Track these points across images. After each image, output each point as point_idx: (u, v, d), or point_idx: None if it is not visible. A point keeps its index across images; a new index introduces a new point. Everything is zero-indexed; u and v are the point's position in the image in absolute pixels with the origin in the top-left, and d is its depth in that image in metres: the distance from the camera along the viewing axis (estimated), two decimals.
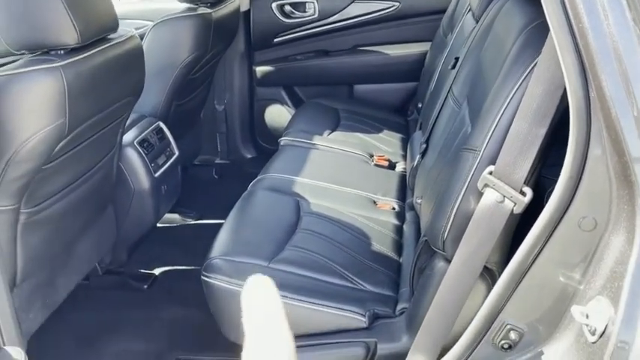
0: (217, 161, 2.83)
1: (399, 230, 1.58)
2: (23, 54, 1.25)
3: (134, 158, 1.82)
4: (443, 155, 1.28)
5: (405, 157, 2.02)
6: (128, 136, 1.84)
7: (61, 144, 1.25)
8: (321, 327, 1.23)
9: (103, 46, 1.36)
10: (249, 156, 2.84)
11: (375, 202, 1.69)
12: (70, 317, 1.69)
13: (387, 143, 2.13)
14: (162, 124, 2.03)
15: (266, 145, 2.82)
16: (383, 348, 1.19)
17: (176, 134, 2.18)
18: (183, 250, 2.08)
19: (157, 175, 1.89)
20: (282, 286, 1.22)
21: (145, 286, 1.89)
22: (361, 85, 2.63)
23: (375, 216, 1.61)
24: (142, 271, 1.96)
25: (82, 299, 1.76)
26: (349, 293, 1.27)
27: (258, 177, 1.77)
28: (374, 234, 1.51)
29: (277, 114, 2.75)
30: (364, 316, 1.22)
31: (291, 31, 2.65)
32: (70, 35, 1.19)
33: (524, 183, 0.89)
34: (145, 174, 1.84)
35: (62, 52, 1.23)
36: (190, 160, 2.74)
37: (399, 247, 1.50)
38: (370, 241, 1.47)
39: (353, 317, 1.22)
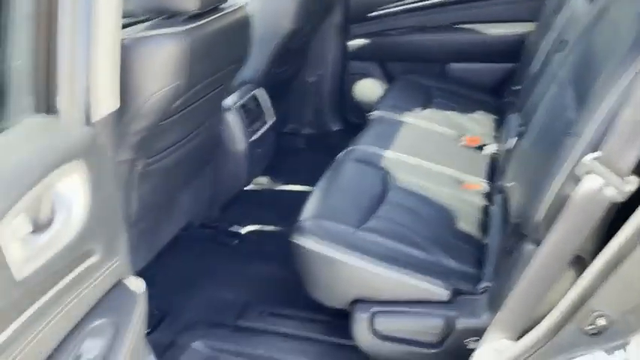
0: (304, 131, 2.91)
1: (485, 211, 1.59)
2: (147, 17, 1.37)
3: (233, 122, 1.93)
4: (541, 139, 1.27)
5: (496, 138, 2.00)
6: (229, 101, 1.95)
7: (175, 103, 1.36)
8: (403, 296, 1.28)
9: (216, 15, 1.46)
10: (335, 128, 2.90)
11: (461, 182, 1.70)
12: (168, 263, 1.85)
13: (478, 124, 2.11)
14: (261, 92, 2.13)
15: (353, 118, 2.87)
16: (462, 322, 1.22)
17: (274, 100, 2.28)
18: (270, 212, 2.19)
19: (252, 139, 1.99)
20: (369, 252, 1.29)
21: (235, 242, 2.02)
22: (456, 63, 2.59)
23: (462, 195, 1.62)
24: (232, 228, 2.09)
25: (180, 248, 1.92)
26: (433, 267, 1.31)
27: (348, 148, 1.83)
28: (460, 212, 1.53)
29: (368, 88, 2.77)
30: (447, 290, 1.25)
31: (388, 5, 2.65)
32: (192, 1, 1.29)
33: (630, 172, 0.88)
34: (242, 137, 1.95)
35: (182, 18, 1.34)
36: (279, 128, 2.84)
37: (484, 228, 1.51)
38: (456, 219, 1.49)
39: (435, 290, 1.26)
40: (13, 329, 0.65)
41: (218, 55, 1.51)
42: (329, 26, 2.71)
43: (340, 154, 1.80)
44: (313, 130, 2.91)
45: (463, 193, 1.64)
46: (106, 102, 1.02)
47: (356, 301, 1.32)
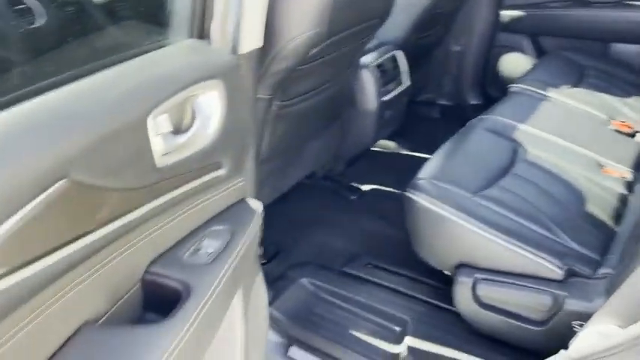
0: (440, 102, 2.86)
1: (623, 199, 1.46)
2: None
3: (367, 80, 1.96)
4: None
5: None
6: (367, 59, 1.99)
7: (313, 50, 1.42)
8: (511, 267, 1.24)
9: None
10: (473, 102, 2.80)
11: (601, 166, 1.57)
12: (290, 205, 1.97)
13: (633, 109, 1.91)
14: (399, 54, 2.13)
15: (494, 93, 2.75)
16: (571, 304, 1.16)
17: (412, 65, 2.27)
18: (392, 175, 2.21)
19: (384, 99, 2.02)
20: (483, 219, 1.27)
21: (353, 197, 2.08)
22: (621, 43, 2.35)
23: (599, 180, 1.50)
24: (353, 184, 2.15)
25: (302, 194, 2.03)
26: (550, 244, 1.24)
27: (480, 116, 1.77)
28: (592, 196, 1.42)
29: (514, 63, 2.63)
30: (561, 269, 1.19)
31: None
32: None
33: None
34: (374, 96, 1.98)
35: None
36: (414, 95, 2.82)
37: (617, 216, 1.39)
38: (586, 202, 1.40)
39: (549, 267, 1.20)
40: (149, 208, 0.76)
41: (360, 8, 1.54)
42: None
43: (471, 121, 1.75)
44: (450, 101, 2.84)
45: (602, 177, 1.52)
46: (252, 38, 1.11)
47: (461, 266, 1.31)
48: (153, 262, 0.82)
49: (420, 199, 1.36)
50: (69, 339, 0.63)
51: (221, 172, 0.96)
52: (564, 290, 1.18)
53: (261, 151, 1.60)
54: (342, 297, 1.55)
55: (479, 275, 1.27)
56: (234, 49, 1.08)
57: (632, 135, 1.78)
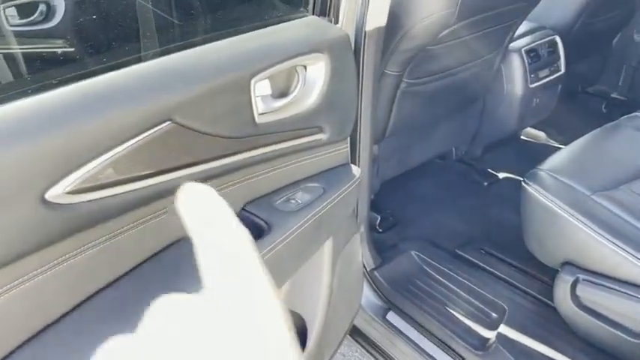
0: (613, 95, 2.61)
1: None
2: None
3: (516, 64, 1.90)
4: None
5: None
6: (519, 43, 1.92)
7: (446, 31, 1.45)
8: (617, 272, 1.17)
9: None
10: None
11: None
12: (417, 182, 2.03)
13: None
14: (558, 39, 2.01)
15: None
16: None
17: (575, 55, 2.13)
18: (533, 167, 2.12)
19: (532, 85, 1.94)
20: (595, 219, 1.21)
21: (486, 183, 2.05)
22: None
23: None
24: (489, 170, 2.12)
25: (432, 172, 2.07)
26: None
27: (634, 113, 1.62)
28: None
29: None
30: None
31: None
32: None
33: None
34: (522, 81, 1.92)
35: None
36: (583, 85, 2.61)
37: None
38: None
39: None
40: (247, 157, 0.91)
41: None
42: None
43: (622, 117, 1.62)
44: (624, 96, 2.58)
45: None
46: (377, 16, 1.21)
47: (566, 263, 1.27)
48: (249, 203, 0.98)
49: (533, 190, 1.33)
50: (163, 250, 0.82)
51: (322, 136, 1.09)
52: None
53: (388, 125, 1.68)
54: (446, 275, 1.59)
55: (581, 275, 1.22)
56: (360, 27, 1.18)
57: None
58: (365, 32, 1.18)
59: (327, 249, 1.14)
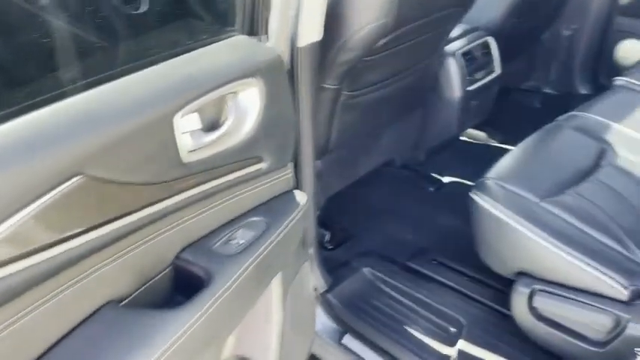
0: (545, 90, 2.66)
1: None
2: None
3: (452, 68, 1.88)
4: None
5: None
6: (454, 45, 1.90)
7: (382, 41, 1.40)
8: (573, 281, 1.15)
9: None
10: (582, 91, 2.57)
11: None
12: (364, 192, 1.98)
13: None
14: (491, 40, 2.01)
15: (607, 83, 2.49)
16: (634, 328, 1.05)
17: (507, 54, 2.14)
18: (477, 168, 2.10)
19: (470, 88, 1.93)
20: (547, 228, 1.19)
21: (431, 189, 2.03)
22: None
23: None
24: (433, 174, 2.09)
25: (377, 182, 2.02)
26: (619, 260, 1.13)
27: (571, 112, 1.63)
28: None
29: (633, 51, 2.36)
30: (626, 288, 1.08)
31: None
32: None
33: None
34: (459, 85, 1.90)
35: None
36: (516, 83, 2.65)
37: None
38: None
39: (613, 286, 1.10)
40: (177, 200, 0.82)
41: None
42: None
43: (559, 118, 1.62)
44: (556, 90, 2.64)
45: None
46: (311, 31, 1.13)
47: (520, 274, 1.24)
48: (184, 249, 0.89)
49: (482, 201, 1.30)
50: (90, 315, 0.71)
51: (261, 165, 1.00)
52: (628, 313, 1.07)
53: (330, 140, 1.62)
54: (401, 291, 1.54)
55: (537, 286, 1.19)
56: (293, 43, 1.10)
57: None
58: (298, 49, 1.11)
59: (276, 286, 1.06)
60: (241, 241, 0.92)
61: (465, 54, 1.91)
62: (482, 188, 1.33)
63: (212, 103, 0.85)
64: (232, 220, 0.96)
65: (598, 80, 2.53)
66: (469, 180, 2.08)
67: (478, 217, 1.33)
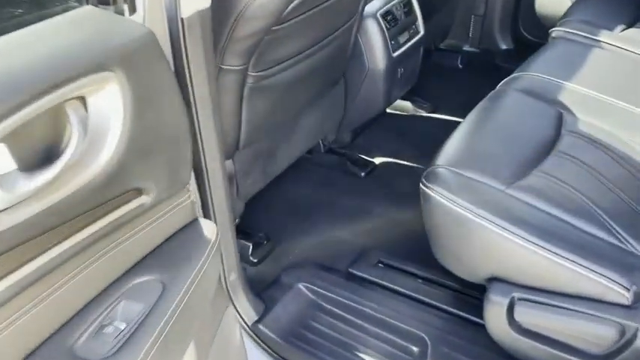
0: (466, 48, 2.48)
1: None
2: None
3: (374, 32, 1.61)
4: None
5: None
6: (372, 6, 1.63)
7: (292, 4, 1.09)
8: (564, 286, 0.94)
9: None
10: (504, 47, 2.42)
11: None
12: (287, 188, 1.68)
13: None
14: None
15: (529, 36, 2.35)
16: None
17: (427, 11, 1.90)
18: (409, 144, 1.89)
19: (395, 54, 1.67)
20: (521, 221, 0.96)
21: (363, 174, 1.77)
22: None
23: None
24: (363, 156, 1.84)
25: (302, 173, 1.73)
26: (613, 253, 0.93)
27: (514, 74, 1.42)
28: None
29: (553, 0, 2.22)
30: (628, 289, 0.89)
31: None
32: None
33: None
34: (383, 52, 1.64)
35: None
36: (435, 42, 2.44)
37: None
38: None
39: (611, 287, 0.89)
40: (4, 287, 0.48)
41: None
42: None
43: (503, 82, 1.41)
44: (476, 47, 2.46)
45: None
46: None
47: (493, 280, 1.02)
48: (31, 355, 0.55)
49: (437, 193, 1.05)
50: None
51: (144, 199, 0.68)
52: (634, 319, 0.88)
53: (240, 134, 1.30)
54: (346, 307, 1.28)
55: (517, 294, 0.97)
56: (172, 14, 0.77)
57: None
58: (182, 21, 0.78)
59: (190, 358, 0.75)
60: (122, 326, 0.60)
61: (385, 15, 1.64)
62: (433, 178, 1.08)
63: (38, 118, 0.51)
64: (105, 293, 0.63)
65: (520, 34, 2.38)
66: (402, 158, 1.84)
67: (432, 213, 1.08)
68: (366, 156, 1.85)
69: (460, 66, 2.39)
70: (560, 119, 1.23)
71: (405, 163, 1.81)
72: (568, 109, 1.26)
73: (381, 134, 1.93)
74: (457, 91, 2.21)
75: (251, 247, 1.47)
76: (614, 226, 0.98)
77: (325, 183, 1.74)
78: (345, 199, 1.67)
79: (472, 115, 1.26)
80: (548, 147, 1.16)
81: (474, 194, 1.03)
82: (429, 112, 2.09)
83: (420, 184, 1.10)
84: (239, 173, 1.38)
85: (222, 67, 1.12)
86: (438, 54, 2.43)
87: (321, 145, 1.81)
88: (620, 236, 0.96)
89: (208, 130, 0.89)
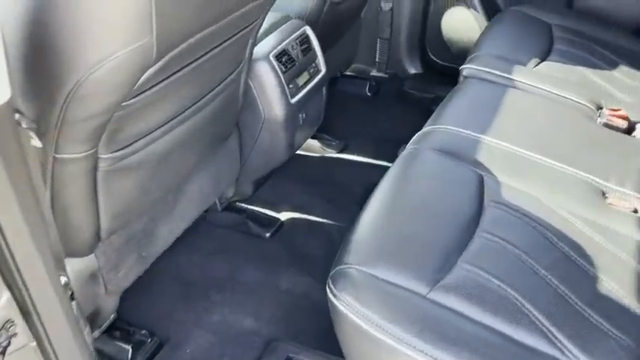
0: (373, 74, 2.32)
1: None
2: None
3: (267, 77, 1.39)
4: None
5: None
6: (264, 46, 1.40)
7: (149, 72, 0.84)
8: None
9: None
10: (413, 71, 2.28)
11: (604, 194, 1.10)
12: (176, 261, 1.42)
13: (624, 88, 1.44)
14: (309, 31, 1.55)
15: (437, 60, 2.23)
16: None
17: (327, 41, 1.71)
18: (318, 194, 1.68)
19: (294, 100, 1.45)
20: (448, 342, 0.77)
21: (267, 234, 1.54)
22: None
23: (605, 221, 1.02)
24: (267, 212, 1.61)
25: (194, 239, 1.47)
26: None
27: (425, 128, 1.25)
28: (603, 257, 0.95)
29: (460, 22, 2.10)
30: None
31: None
32: None
33: None
34: (279, 99, 1.41)
35: None
36: (341, 69, 2.26)
37: None
38: (596, 272, 0.92)
39: None
40: None
41: None
42: None
43: (415, 138, 1.23)
44: (384, 72, 2.31)
45: (608, 216, 1.04)
46: None
47: None
48: None
49: (346, 308, 0.84)
50: None
51: None
52: None
53: (100, 226, 1.03)
54: None
55: None
56: None
57: (629, 131, 1.31)
58: None
59: None
60: None
61: (279, 55, 1.42)
62: (341, 283, 0.87)
63: None
64: None
65: (428, 58, 2.25)
66: (311, 212, 1.63)
67: (341, 328, 0.87)
68: (270, 210, 1.62)
69: (369, 94, 2.22)
70: (481, 185, 1.07)
71: (314, 219, 1.60)
72: (488, 171, 1.10)
73: (286, 184, 1.71)
74: (367, 124, 2.04)
75: (130, 350, 1.20)
76: (555, 334, 0.81)
77: (223, 249, 1.50)
78: (247, 271, 1.43)
79: (384, 187, 1.06)
80: (472, 225, 0.98)
81: (390, 305, 0.83)
82: (338, 152, 1.90)
83: (327, 288, 0.88)
84: (104, 269, 1.11)
85: (57, 156, 0.85)
86: (345, 81, 2.25)
87: (218, 203, 1.56)
88: (564, 347, 0.80)
89: (26, 245, 0.62)
